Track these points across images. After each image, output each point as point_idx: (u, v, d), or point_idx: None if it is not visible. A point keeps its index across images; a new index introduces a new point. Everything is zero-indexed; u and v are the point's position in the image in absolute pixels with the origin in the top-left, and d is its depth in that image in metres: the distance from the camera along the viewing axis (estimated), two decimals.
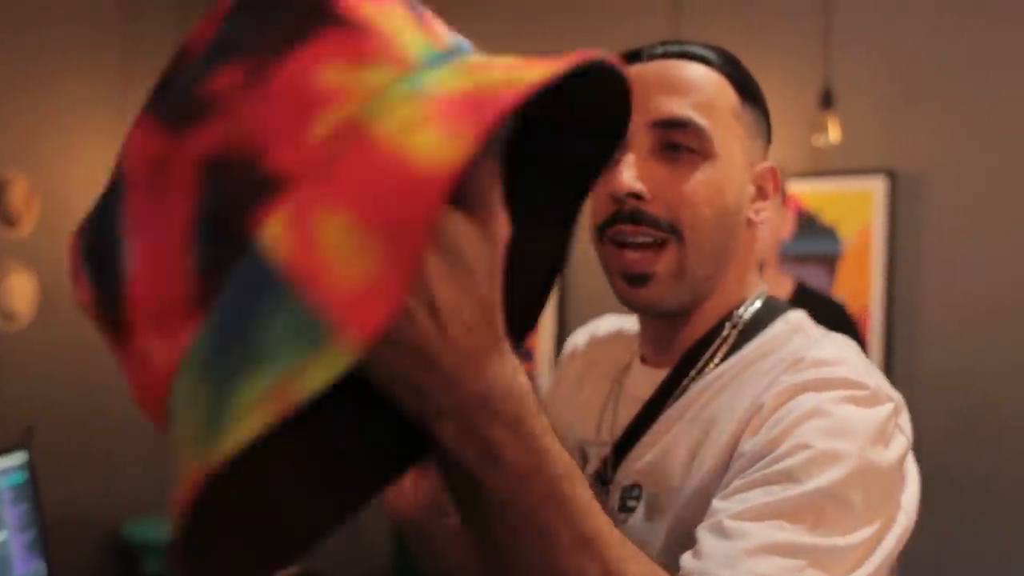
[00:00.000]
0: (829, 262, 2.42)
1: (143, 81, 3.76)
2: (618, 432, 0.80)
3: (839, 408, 0.65)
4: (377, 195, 0.31)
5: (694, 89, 0.75)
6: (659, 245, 0.74)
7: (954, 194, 2.29)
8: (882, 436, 0.65)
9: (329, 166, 0.33)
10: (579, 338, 0.98)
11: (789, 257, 2.46)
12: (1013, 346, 2.19)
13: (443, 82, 0.35)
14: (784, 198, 2.01)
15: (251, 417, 0.31)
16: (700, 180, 0.73)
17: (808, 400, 0.65)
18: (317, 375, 0.30)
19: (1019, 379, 2.18)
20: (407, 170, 0.31)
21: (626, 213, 0.73)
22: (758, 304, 0.79)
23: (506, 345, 0.43)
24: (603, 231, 0.76)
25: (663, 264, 0.73)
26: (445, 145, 0.31)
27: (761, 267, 1.97)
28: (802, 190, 2.44)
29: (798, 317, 0.79)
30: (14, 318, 3.26)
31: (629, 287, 0.75)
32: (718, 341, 0.77)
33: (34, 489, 1.60)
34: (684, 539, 0.67)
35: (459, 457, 0.43)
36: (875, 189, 2.37)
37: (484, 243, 0.39)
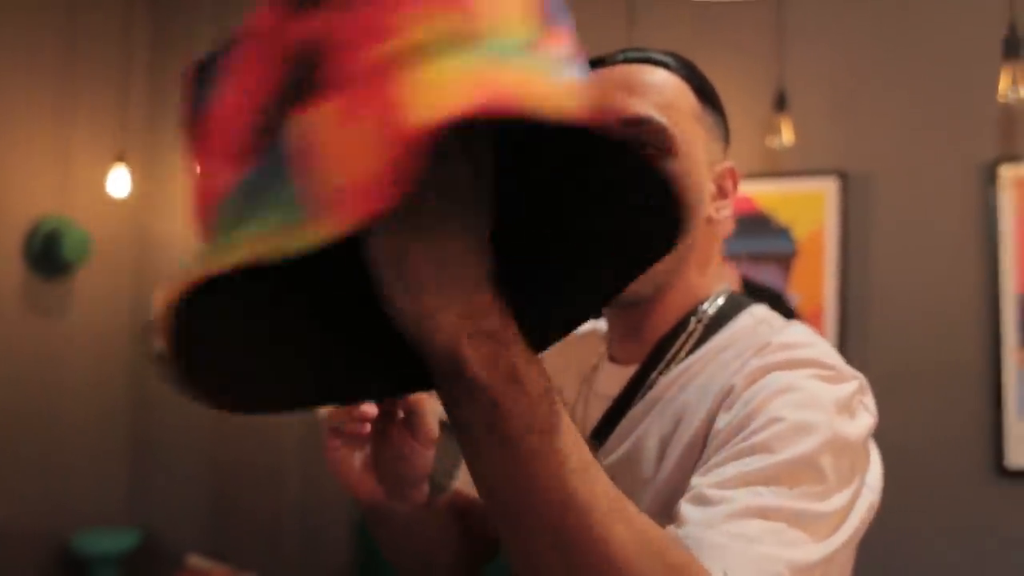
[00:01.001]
0: (784, 261, 2.47)
1: (85, 80, 3.67)
2: (588, 430, 0.81)
3: (807, 383, 0.67)
4: (377, 124, 0.35)
5: (655, 91, 0.78)
6: None
7: (902, 194, 2.36)
8: (848, 409, 0.68)
9: (366, 86, 0.36)
10: None
11: (744, 257, 2.50)
12: (959, 343, 2.26)
13: (485, 66, 0.37)
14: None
15: (237, 252, 0.38)
16: None
17: (777, 378, 0.68)
18: (287, 244, 0.36)
19: (965, 375, 2.25)
20: (399, 115, 0.34)
21: None
22: (722, 299, 0.82)
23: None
24: None
25: None
26: (434, 107, 0.34)
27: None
28: (757, 191, 2.49)
29: (762, 311, 0.82)
30: None
31: None
32: (684, 335, 0.80)
33: None
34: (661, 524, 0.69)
35: (484, 381, 0.45)
36: (827, 190, 2.42)
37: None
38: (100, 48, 3.75)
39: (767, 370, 0.69)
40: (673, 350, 0.79)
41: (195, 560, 3.54)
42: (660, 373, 0.78)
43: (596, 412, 0.82)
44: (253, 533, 3.51)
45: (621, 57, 0.80)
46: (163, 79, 3.89)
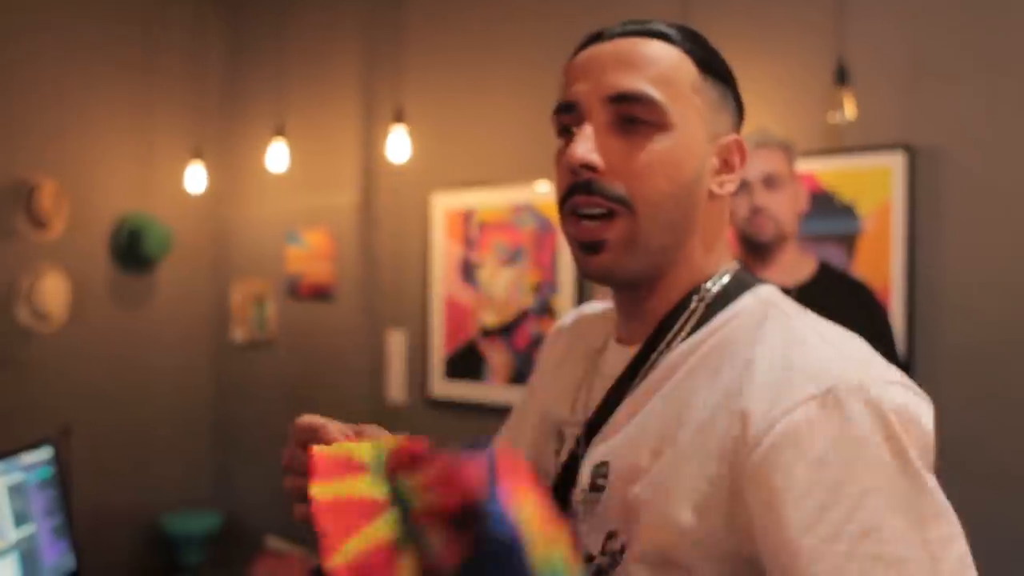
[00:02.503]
0: (848, 241, 2.38)
1: (165, 81, 3.82)
2: (591, 411, 0.81)
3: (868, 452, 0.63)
4: None
5: (649, 64, 0.76)
6: (611, 215, 0.75)
7: (975, 168, 2.24)
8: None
9: None
10: (564, 321, 1.00)
11: (807, 237, 2.42)
12: None
13: None
14: (796, 174, 2.00)
15: None
16: (655, 151, 0.75)
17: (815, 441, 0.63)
18: None
19: None
20: None
21: (581, 184, 0.75)
22: (726, 278, 0.80)
23: None
24: (563, 204, 0.78)
25: (614, 232, 0.75)
26: None
27: (783, 245, 1.95)
28: (818, 168, 2.41)
29: (768, 291, 0.79)
30: (48, 319, 3.34)
31: (583, 255, 0.77)
32: (686, 314, 0.78)
33: (61, 482, 1.66)
34: (658, 520, 0.68)
35: None
36: (893, 165, 2.32)
37: None
38: (176, 50, 3.90)
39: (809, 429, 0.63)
40: (674, 330, 0.77)
41: (273, 542, 3.67)
42: (660, 353, 0.77)
43: (600, 392, 0.82)
44: None
45: (619, 30, 0.79)
46: (235, 77, 4.02)
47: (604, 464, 0.76)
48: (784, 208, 1.92)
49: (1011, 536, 2.14)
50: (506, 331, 3.14)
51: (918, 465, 0.63)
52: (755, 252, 1.95)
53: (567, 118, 0.79)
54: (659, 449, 0.71)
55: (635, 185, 0.75)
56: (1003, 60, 2.20)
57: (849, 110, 2.30)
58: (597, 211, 0.75)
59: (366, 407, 3.53)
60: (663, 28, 0.79)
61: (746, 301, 0.77)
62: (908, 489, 0.62)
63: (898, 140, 2.32)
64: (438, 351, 3.32)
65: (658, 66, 0.76)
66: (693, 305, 0.78)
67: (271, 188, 3.81)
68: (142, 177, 3.77)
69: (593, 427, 0.79)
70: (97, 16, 3.59)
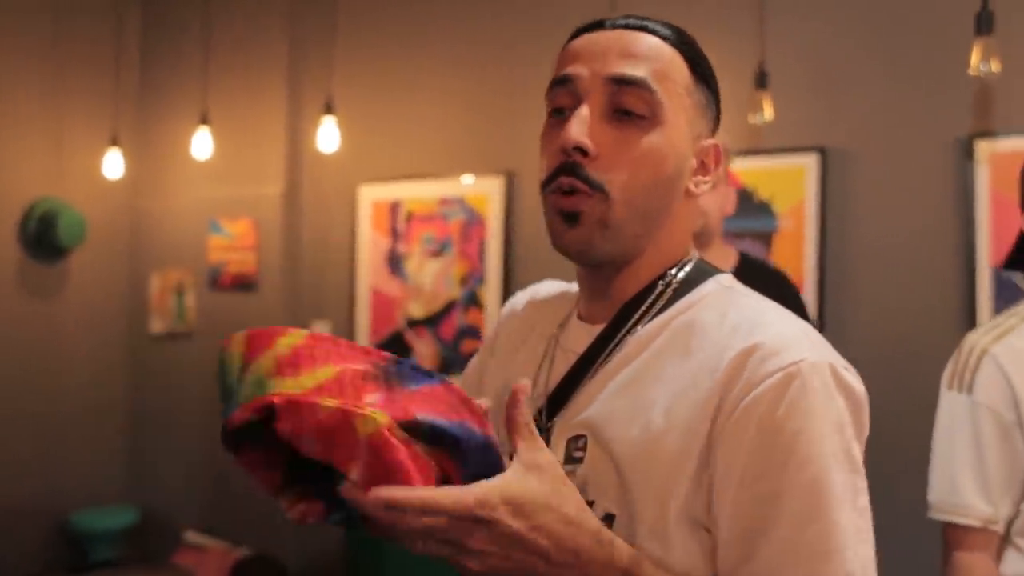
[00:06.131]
0: (765, 237, 2.50)
1: (78, 66, 3.69)
2: (553, 384, 0.83)
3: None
4: None
5: (651, 58, 0.79)
6: (587, 195, 0.78)
7: (881, 169, 2.39)
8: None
9: None
10: (518, 300, 1.01)
11: (728, 233, 2.53)
12: (935, 315, 2.30)
13: None
14: (728, 176, 2.07)
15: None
16: (645, 146, 0.78)
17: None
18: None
19: (940, 347, 2.29)
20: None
21: (568, 166, 0.77)
22: (689, 266, 0.84)
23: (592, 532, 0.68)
24: (548, 184, 0.80)
25: (589, 206, 0.77)
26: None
27: (709, 240, 2.03)
28: (739, 167, 2.51)
29: (727, 278, 0.84)
30: None
31: (561, 225, 0.79)
32: (652, 298, 0.81)
33: None
34: (645, 491, 0.72)
35: None
36: (807, 165, 2.45)
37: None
38: (91, 32, 3.77)
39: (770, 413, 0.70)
40: (640, 311, 0.81)
41: (192, 536, 3.60)
42: (627, 333, 0.80)
43: (562, 366, 0.84)
44: (248, 510, 3.57)
45: (622, 22, 0.81)
46: (156, 63, 3.92)
47: (581, 437, 0.78)
48: (715, 207, 1.98)
49: (910, 525, 2.28)
50: (433, 322, 3.17)
51: (856, 450, 0.74)
52: None
53: (562, 96, 0.80)
54: (636, 424, 0.75)
55: (619, 176, 0.77)
56: (909, 68, 2.35)
57: (768, 113, 2.41)
58: (575, 189, 0.78)
59: None
60: (662, 27, 0.81)
61: (709, 287, 0.82)
62: (846, 458, 0.72)
63: (812, 142, 2.45)
64: (363, 342, 3.32)
65: (658, 61, 0.79)
66: (659, 289, 0.82)
67: (193, 176, 3.73)
68: (54, 163, 3.64)
69: (556, 400, 0.82)
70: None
